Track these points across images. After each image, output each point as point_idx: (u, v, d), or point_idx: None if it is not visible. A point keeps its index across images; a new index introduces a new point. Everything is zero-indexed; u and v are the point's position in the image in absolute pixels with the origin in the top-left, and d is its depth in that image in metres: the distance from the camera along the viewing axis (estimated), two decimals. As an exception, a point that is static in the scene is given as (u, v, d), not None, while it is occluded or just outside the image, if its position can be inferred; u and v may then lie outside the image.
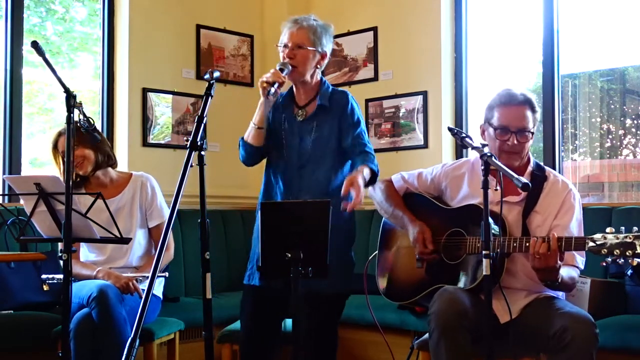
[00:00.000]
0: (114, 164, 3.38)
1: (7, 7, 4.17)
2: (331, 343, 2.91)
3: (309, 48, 2.83)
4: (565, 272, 2.49)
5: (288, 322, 2.93)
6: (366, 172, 2.71)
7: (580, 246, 2.37)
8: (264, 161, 2.99)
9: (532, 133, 2.70)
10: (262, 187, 2.96)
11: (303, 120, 2.88)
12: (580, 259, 2.64)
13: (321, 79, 2.94)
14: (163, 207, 3.41)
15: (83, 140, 3.17)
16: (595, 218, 3.58)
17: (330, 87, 2.95)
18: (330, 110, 2.87)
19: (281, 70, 2.75)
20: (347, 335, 3.87)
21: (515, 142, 2.65)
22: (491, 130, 2.71)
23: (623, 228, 2.31)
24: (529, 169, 2.73)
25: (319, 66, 2.89)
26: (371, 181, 2.78)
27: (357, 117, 2.89)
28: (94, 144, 3.22)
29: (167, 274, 3.29)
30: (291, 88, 2.96)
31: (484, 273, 2.28)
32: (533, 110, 2.70)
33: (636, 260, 2.26)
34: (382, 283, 2.98)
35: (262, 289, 2.82)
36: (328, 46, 2.91)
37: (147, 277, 3.12)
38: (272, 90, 2.69)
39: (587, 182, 4.45)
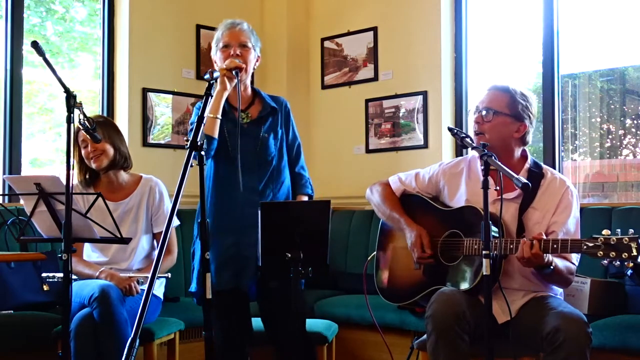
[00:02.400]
0: (128, 167, 3.37)
1: (7, 7, 4.17)
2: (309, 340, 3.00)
3: (250, 47, 2.91)
4: (559, 261, 2.49)
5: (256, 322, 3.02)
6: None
7: (576, 249, 2.37)
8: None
9: (505, 116, 2.68)
10: (211, 194, 2.92)
11: (251, 123, 2.91)
12: (575, 255, 2.64)
13: (250, 83, 3.01)
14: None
15: (107, 135, 3.23)
16: (595, 218, 3.58)
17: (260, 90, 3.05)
18: (277, 112, 2.98)
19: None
20: (347, 335, 3.87)
21: (481, 120, 2.68)
22: (471, 116, 2.80)
23: (619, 230, 2.31)
24: (526, 166, 2.73)
25: (254, 68, 2.98)
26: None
27: (296, 131, 3.09)
28: (114, 142, 3.25)
29: (169, 274, 3.29)
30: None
31: (483, 273, 2.28)
32: (511, 98, 2.70)
33: (632, 263, 2.25)
34: (380, 284, 2.98)
35: (231, 291, 2.86)
36: (259, 50, 3.00)
37: (148, 277, 3.14)
38: (238, 74, 2.77)
39: (587, 182, 4.44)
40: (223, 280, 2.85)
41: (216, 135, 2.79)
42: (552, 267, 2.45)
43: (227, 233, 2.84)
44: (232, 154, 2.85)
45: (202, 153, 2.25)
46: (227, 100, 2.89)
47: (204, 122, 2.72)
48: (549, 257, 2.41)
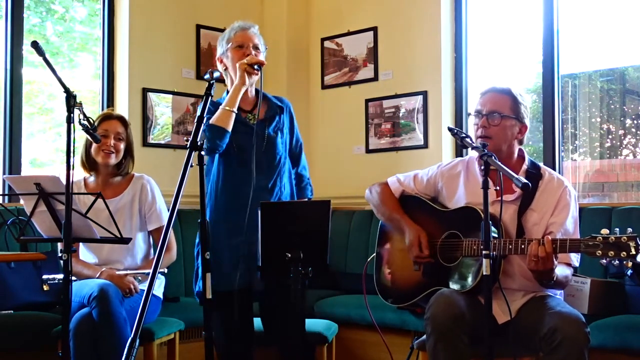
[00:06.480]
0: (126, 173, 3.38)
1: (7, 7, 4.18)
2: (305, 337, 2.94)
3: (261, 51, 2.93)
4: (559, 271, 2.50)
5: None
6: None
7: (575, 248, 2.37)
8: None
9: (511, 118, 2.68)
10: (218, 193, 2.89)
11: (259, 123, 2.89)
12: (575, 256, 2.64)
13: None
14: (162, 211, 3.37)
15: (128, 139, 3.32)
16: (595, 218, 3.58)
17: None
18: (283, 111, 2.99)
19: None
20: (347, 335, 3.87)
21: (486, 124, 2.66)
22: (471, 118, 2.77)
23: (617, 229, 2.31)
24: (524, 167, 2.73)
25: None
26: None
27: (298, 131, 3.12)
28: (129, 146, 3.33)
29: (165, 269, 3.28)
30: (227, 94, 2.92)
31: (483, 273, 2.28)
32: (514, 100, 2.70)
33: (631, 262, 2.25)
34: (380, 285, 2.98)
35: (243, 291, 2.84)
36: (265, 54, 3.00)
37: (146, 273, 3.14)
38: (260, 68, 2.80)
39: (587, 182, 4.45)
40: (236, 280, 2.80)
41: (230, 129, 2.77)
42: (553, 282, 2.47)
43: (238, 232, 2.81)
44: (240, 154, 2.85)
45: (202, 153, 2.25)
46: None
47: (225, 115, 2.76)
48: (554, 263, 2.41)
